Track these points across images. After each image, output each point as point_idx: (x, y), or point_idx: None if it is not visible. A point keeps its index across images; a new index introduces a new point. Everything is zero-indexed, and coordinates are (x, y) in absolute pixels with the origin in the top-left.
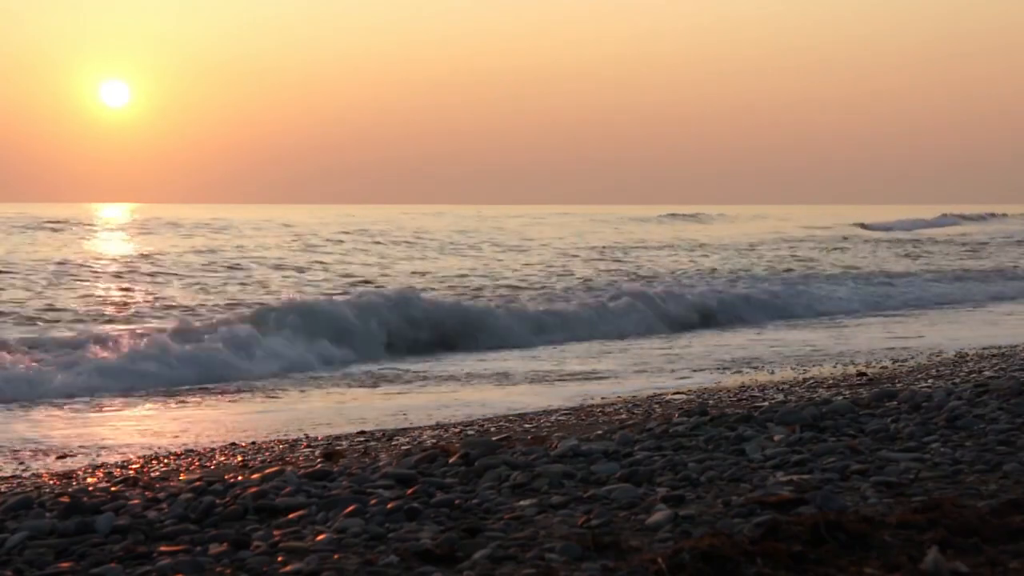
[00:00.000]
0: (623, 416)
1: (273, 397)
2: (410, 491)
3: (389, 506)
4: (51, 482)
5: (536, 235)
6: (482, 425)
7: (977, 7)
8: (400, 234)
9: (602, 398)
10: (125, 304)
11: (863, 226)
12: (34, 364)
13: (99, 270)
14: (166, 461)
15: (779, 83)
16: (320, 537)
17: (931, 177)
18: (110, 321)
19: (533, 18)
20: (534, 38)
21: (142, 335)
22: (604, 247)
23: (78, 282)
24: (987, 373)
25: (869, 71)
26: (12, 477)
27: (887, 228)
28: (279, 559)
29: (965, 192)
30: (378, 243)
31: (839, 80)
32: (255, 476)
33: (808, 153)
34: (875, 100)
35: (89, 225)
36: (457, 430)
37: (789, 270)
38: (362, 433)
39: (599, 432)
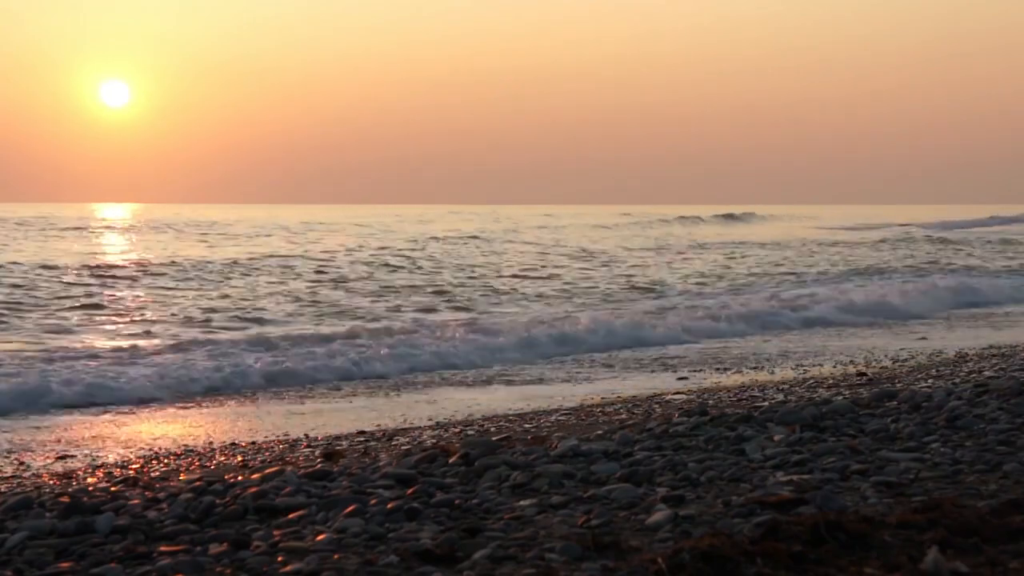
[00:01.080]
0: (623, 416)
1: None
2: (410, 491)
3: (389, 506)
4: (51, 482)
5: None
6: (482, 425)
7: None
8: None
9: (602, 397)
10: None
11: (925, 227)
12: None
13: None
14: (166, 461)
15: (785, 82)
16: (320, 537)
17: (929, 177)
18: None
19: (534, 17)
20: (534, 37)
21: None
22: (768, 244)
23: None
24: (987, 373)
25: (869, 71)
26: (12, 477)
27: (946, 228)
28: (279, 559)
29: (973, 192)
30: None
31: (842, 80)
32: (255, 476)
33: (809, 153)
34: (877, 100)
35: (183, 226)
36: (457, 430)
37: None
38: (362, 433)
39: (599, 432)
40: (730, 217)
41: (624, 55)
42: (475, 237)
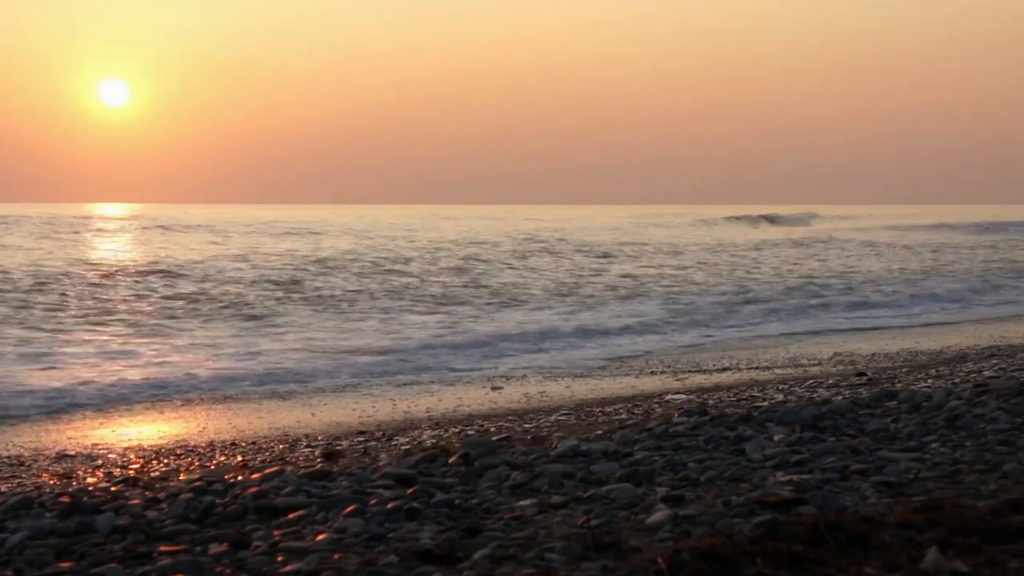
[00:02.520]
0: (623, 416)
1: None
2: (410, 491)
3: (389, 506)
4: (51, 482)
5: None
6: (482, 425)
7: None
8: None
9: (602, 397)
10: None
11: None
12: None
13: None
14: (166, 461)
15: (789, 82)
16: (320, 537)
17: (919, 180)
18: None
19: (536, 17)
20: (533, 38)
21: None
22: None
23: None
24: (987, 373)
25: (869, 70)
26: (12, 477)
27: (1001, 228)
28: (279, 559)
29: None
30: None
31: (840, 80)
32: (255, 476)
33: (812, 155)
34: (881, 99)
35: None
36: (457, 430)
37: None
38: (362, 433)
39: (599, 432)
40: (773, 219)
41: (624, 54)
42: (658, 245)
